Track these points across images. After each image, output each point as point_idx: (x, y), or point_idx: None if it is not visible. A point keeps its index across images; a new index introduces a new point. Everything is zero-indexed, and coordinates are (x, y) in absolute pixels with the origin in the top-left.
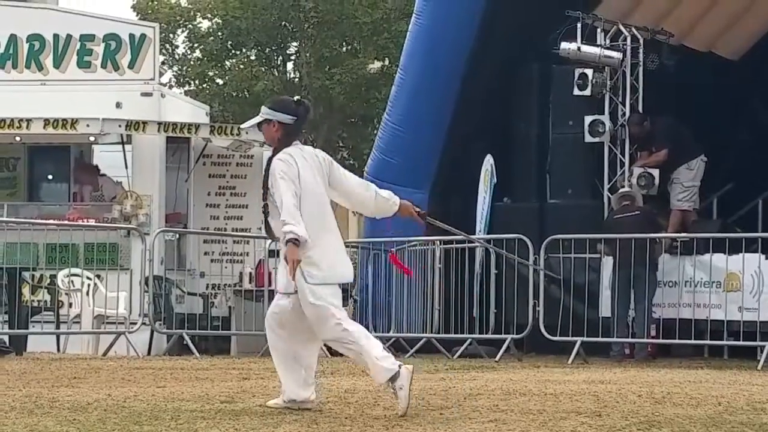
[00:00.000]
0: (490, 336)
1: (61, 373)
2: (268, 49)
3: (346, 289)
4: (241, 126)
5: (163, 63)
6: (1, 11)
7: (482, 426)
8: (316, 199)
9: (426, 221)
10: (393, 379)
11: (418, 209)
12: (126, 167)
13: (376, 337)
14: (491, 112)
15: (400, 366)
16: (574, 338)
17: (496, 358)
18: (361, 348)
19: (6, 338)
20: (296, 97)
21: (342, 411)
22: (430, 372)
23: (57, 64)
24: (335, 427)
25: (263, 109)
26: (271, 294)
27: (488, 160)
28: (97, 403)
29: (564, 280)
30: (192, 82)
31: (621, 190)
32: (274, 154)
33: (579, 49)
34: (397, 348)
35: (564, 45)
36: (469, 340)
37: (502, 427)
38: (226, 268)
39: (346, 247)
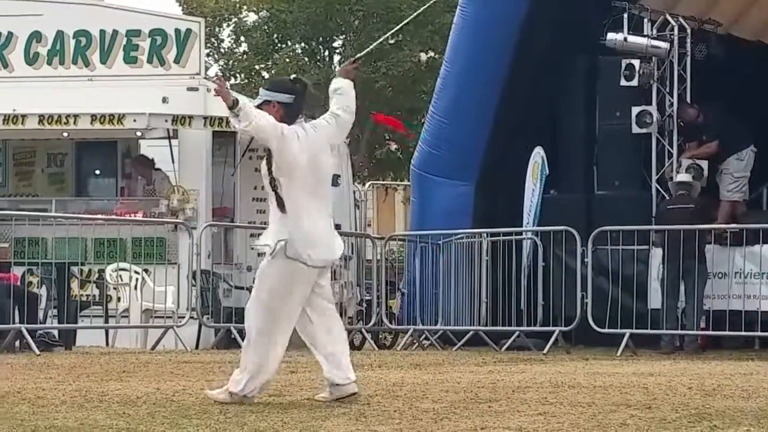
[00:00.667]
0: (537, 328)
1: (110, 367)
2: (314, 43)
3: (393, 282)
4: None
5: (208, 55)
6: (48, 8)
7: (531, 419)
8: (311, 178)
9: (359, 60)
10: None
11: (348, 64)
12: (173, 162)
13: (424, 329)
14: (537, 103)
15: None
16: (623, 330)
17: (544, 351)
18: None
19: (55, 332)
20: (293, 76)
21: (390, 404)
22: (478, 365)
23: (104, 60)
24: (384, 420)
25: (261, 91)
26: None
27: (538, 152)
28: (146, 397)
29: (612, 272)
30: (238, 76)
31: (680, 177)
32: None
33: (626, 39)
34: (444, 341)
35: (611, 36)
36: (516, 333)
37: (551, 420)
38: None
39: (393, 240)
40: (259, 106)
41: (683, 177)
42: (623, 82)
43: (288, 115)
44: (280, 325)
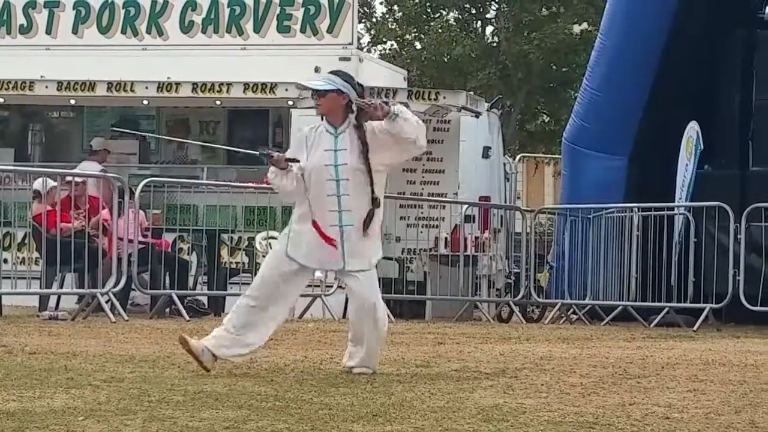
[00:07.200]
0: (688, 305)
1: None
2: (467, 14)
3: (542, 255)
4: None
5: (360, 21)
6: None
7: (681, 396)
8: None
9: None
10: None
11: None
12: None
13: (572, 304)
14: (693, 77)
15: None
16: None
17: (694, 328)
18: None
19: (205, 299)
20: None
21: (538, 377)
22: (627, 340)
23: (257, 29)
24: (531, 394)
25: (333, 77)
26: (467, 259)
27: (692, 127)
28: (293, 365)
29: (766, 250)
30: (389, 43)
31: None
32: None
33: None
34: (592, 315)
35: None
36: (666, 309)
37: (701, 397)
38: (421, 232)
39: (543, 213)
40: (326, 92)
41: None
42: None
43: (348, 110)
44: None
